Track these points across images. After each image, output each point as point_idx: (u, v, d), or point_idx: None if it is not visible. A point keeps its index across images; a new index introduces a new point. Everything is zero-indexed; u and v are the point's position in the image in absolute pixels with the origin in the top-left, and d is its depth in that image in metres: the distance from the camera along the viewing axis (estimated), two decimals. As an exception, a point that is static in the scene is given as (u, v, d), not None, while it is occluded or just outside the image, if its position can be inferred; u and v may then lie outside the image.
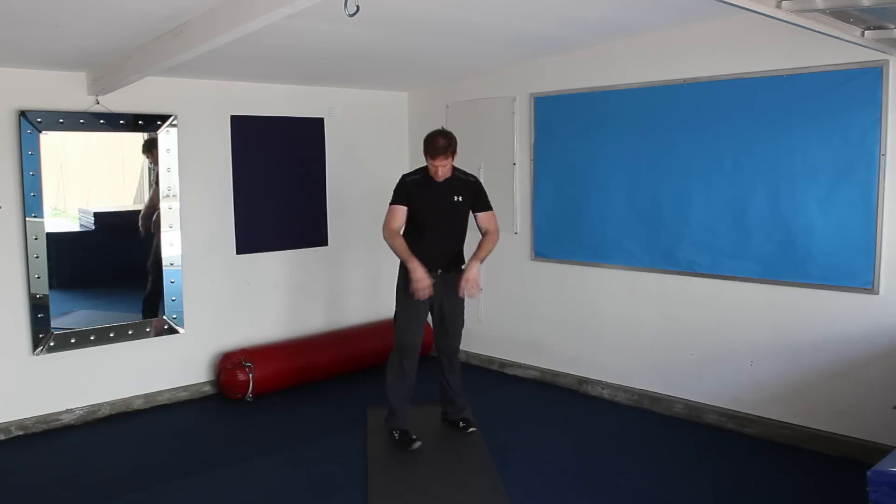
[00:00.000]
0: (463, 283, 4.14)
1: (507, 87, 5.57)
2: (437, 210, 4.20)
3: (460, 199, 4.23)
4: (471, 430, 4.41)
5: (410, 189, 4.20)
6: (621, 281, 5.02)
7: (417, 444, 4.21)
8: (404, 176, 4.29)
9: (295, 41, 4.16)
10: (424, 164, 4.18)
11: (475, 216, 4.31)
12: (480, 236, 4.31)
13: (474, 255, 4.21)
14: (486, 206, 4.32)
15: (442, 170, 4.11)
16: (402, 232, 4.21)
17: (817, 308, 4.16)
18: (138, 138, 4.95)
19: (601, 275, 5.13)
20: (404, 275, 4.22)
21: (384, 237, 4.22)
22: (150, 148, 4.94)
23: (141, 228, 5.02)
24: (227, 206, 5.34)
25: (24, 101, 4.42)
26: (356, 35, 4.07)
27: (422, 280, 4.06)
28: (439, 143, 4.07)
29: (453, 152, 4.12)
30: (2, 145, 4.38)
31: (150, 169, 5.00)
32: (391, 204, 4.23)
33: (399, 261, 4.23)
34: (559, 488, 3.78)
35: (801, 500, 3.68)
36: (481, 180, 5.23)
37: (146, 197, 5.05)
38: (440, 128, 4.20)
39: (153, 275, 5.05)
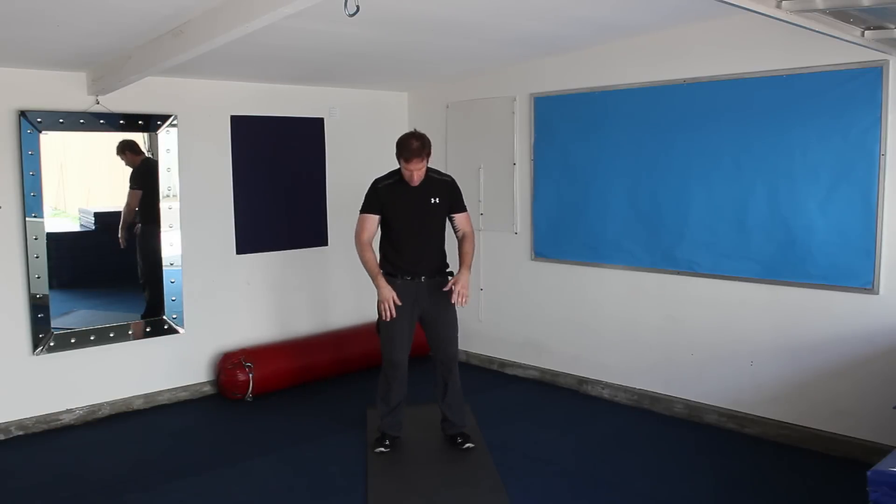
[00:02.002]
0: (456, 295, 4.03)
1: (507, 87, 5.57)
2: (415, 214, 4.06)
3: (437, 200, 4.10)
4: (467, 446, 4.21)
5: (383, 195, 4.08)
6: (621, 281, 5.02)
7: (380, 450, 4.19)
8: (376, 181, 4.13)
9: (295, 41, 4.16)
10: (397, 167, 4.06)
11: (451, 218, 4.19)
12: (456, 238, 4.23)
13: (463, 265, 4.10)
14: (462, 208, 4.22)
15: (417, 174, 3.96)
16: (374, 240, 4.10)
17: (817, 308, 4.16)
18: (139, 138, 4.94)
19: (601, 275, 5.13)
20: None
21: (356, 251, 4.12)
22: (124, 150, 4.89)
23: (120, 239, 4.97)
24: (227, 206, 5.34)
25: (24, 101, 4.42)
26: (356, 35, 4.07)
27: (387, 300, 3.98)
28: (413, 144, 3.90)
29: (428, 154, 3.98)
30: (2, 145, 4.38)
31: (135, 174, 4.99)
32: (361, 212, 4.11)
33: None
34: (559, 488, 3.79)
35: (801, 500, 3.68)
36: (481, 180, 5.22)
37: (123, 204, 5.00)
38: (412, 129, 4.07)
39: (150, 285, 5.07)
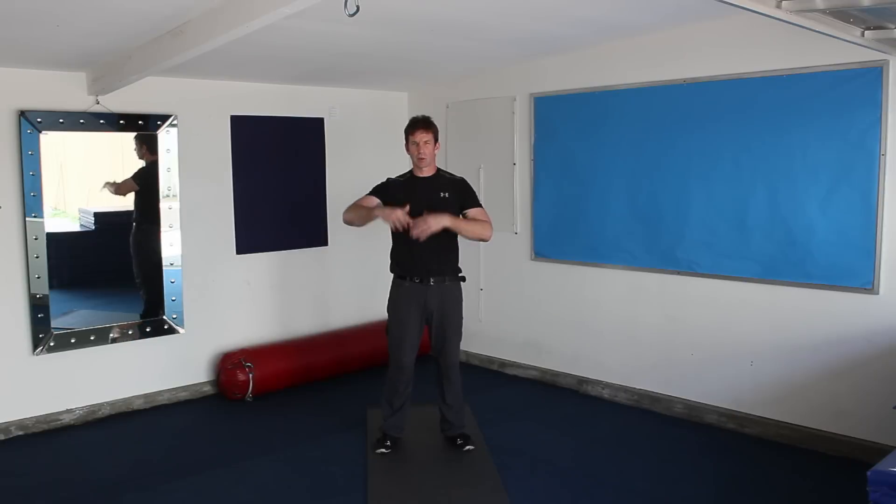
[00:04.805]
0: (415, 226, 3.85)
1: (507, 87, 5.57)
2: (424, 209, 4.00)
3: (447, 195, 4.09)
4: (468, 448, 4.19)
5: (393, 188, 4.10)
6: (621, 281, 5.02)
7: (381, 451, 4.18)
8: (389, 177, 4.21)
9: (295, 41, 4.16)
10: (403, 170, 4.17)
11: (465, 214, 4.12)
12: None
13: (454, 217, 3.99)
14: (476, 204, 4.18)
15: (425, 147, 4.04)
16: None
17: (817, 308, 4.16)
18: (142, 138, 4.94)
19: (601, 275, 5.13)
20: (396, 290, 4.17)
21: (343, 218, 4.11)
22: (143, 142, 4.91)
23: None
24: (227, 206, 5.34)
25: (24, 101, 4.42)
26: (356, 35, 4.07)
27: (394, 212, 3.87)
28: (418, 117, 4.14)
29: (435, 133, 4.10)
30: (2, 145, 4.38)
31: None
32: (364, 196, 4.12)
33: (392, 276, 4.18)
34: (559, 488, 3.78)
35: (802, 500, 3.68)
36: (481, 180, 5.20)
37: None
38: None
39: (149, 285, 5.06)
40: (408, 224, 3.88)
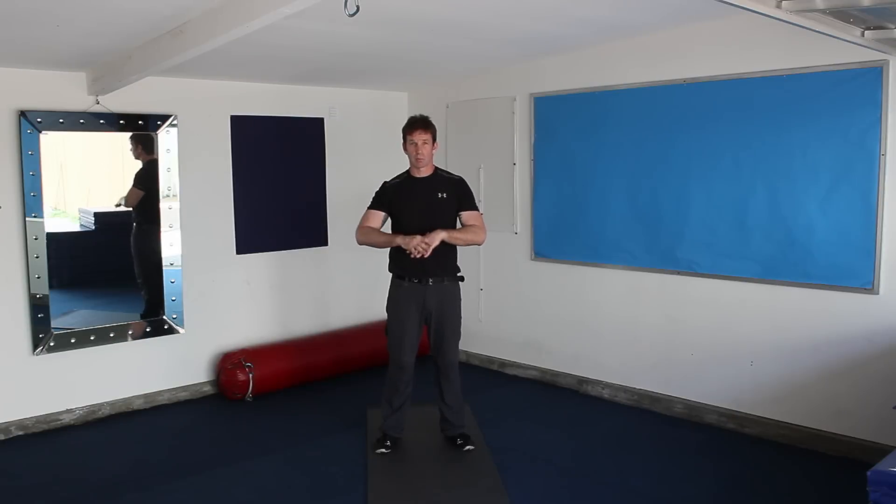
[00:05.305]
0: (417, 239, 3.92)
1: (507, 87, 5.57)
2: (422, 209, 4.04)
3: (444, 195, 4.10)
4: (468, 448, 4.19)
5: (391, 192, 4.11)
6: (621, 281, 5.02)
7: (381, 451, 4.18)
8: (385, 182, 4.20)
9: (295, 41, 4.16)
10: (401, 170, 4.18)
11: (460, 216, 4.15)
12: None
13: (448, 229, 4.03)
14: (472, 206, 4.19)
15: (423, 147, 4.04)
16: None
17: (817, 308, 4.16)
18: (137, 138, 4.94)
19: (601, 275, 5.13)
20: (395, 290, 4.17)
21: (357, 240, 4.14)
22: (138, 142, 4.91)
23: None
24: (227, 206, 5.34)
25: (24, 101, 4.42)
26: (356, 35, 4.07)
27: (412, 240, 3.91)
28: (415, 116, 4.13)
29: (433, 133, 4.10)
30: (2, 145, 4.38)
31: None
32: (367, 209, 4.15)
33: (391, 276, 4.19)
34: (559, 488, 3.79)
35: (801, 500, 3.68)
36: (481, 180, 5.18)
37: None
38: None
39: (149, 285, 5.06)
40: (426, 244, 3.92)
